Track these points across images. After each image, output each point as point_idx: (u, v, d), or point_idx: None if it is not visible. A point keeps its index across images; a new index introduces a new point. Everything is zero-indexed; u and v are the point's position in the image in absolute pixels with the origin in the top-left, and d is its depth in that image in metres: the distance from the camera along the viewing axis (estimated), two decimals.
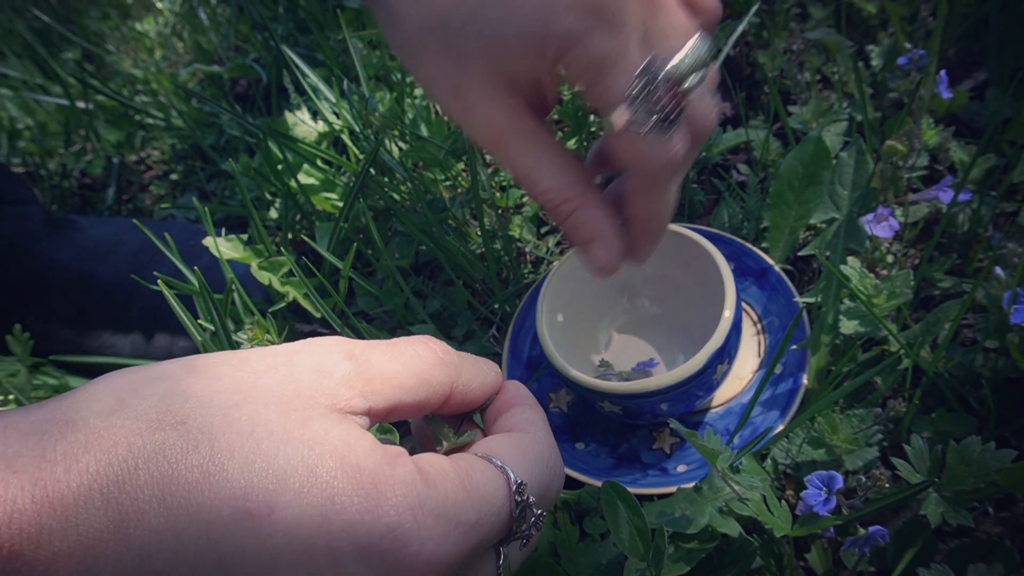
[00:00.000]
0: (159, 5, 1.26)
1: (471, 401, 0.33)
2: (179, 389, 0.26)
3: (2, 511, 0.22)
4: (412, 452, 0.29)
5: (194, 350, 0.68)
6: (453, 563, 0.27)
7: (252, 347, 0.57)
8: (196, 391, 0.26)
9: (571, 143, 0.71)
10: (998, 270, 0.41)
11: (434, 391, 0.31)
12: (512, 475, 0.29)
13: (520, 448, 0.31)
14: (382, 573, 0.25)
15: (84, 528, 0.23)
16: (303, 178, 0.75)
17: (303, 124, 0.83)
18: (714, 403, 0.53)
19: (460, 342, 0.61)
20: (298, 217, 0.80)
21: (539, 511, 0.30)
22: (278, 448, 0.25)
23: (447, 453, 0.31)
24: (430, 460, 0.28)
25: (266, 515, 0.24)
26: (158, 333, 0.69)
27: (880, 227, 0.45)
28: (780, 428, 0.47)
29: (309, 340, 0.30)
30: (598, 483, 0.49)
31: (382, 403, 0.29)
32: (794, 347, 0.51)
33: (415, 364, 0.30)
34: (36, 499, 0.22)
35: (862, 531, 0.38)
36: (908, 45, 0.53)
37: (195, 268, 0.54)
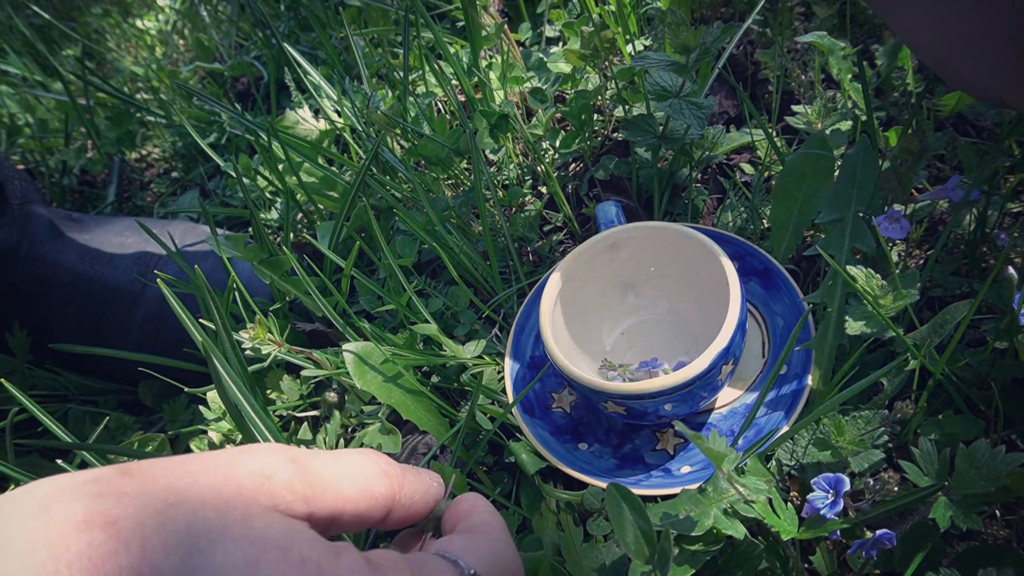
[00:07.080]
0: (160, 2, 1.26)
1: (415, 513, 0.33)
2: (110, 491, 0.24)
3: None
4: None
5: (196, 351, 0.68)
6: None
7: (253, 346, 0.56)
8: (129, 491, 0.24)
9: (574, 143, 0.71)
10: (1010, 270, 0.41)
11: (376, 503, 0.30)
12: (464, 565, 0.29)
13: (474, 545, 0.31)
14: None
15: None
16: (304, 177, 0.74)
17: (304, 122, 0.82)
18: (718, 404, 0.52)
19: (462, 341, 0.61)
20: (299, 216, 0.80)
21: None
22: (216, 545, 0.24)
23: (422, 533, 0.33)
24: (379, 553, 0.28)
25: None
26: (162, 335, 0.69)
27: (893, 228, 0.44)
28: (785, 429, 0.47)
29: (251, 445, 0.29)
30: (601, 484, 0.49)
31: (323, 510, 0.28)
32: (799, 348, 0.50)
33: (357, 475, 0.30)
34: None
35: (869, 534, 0.37)
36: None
37: (195, 267, 0.54)
